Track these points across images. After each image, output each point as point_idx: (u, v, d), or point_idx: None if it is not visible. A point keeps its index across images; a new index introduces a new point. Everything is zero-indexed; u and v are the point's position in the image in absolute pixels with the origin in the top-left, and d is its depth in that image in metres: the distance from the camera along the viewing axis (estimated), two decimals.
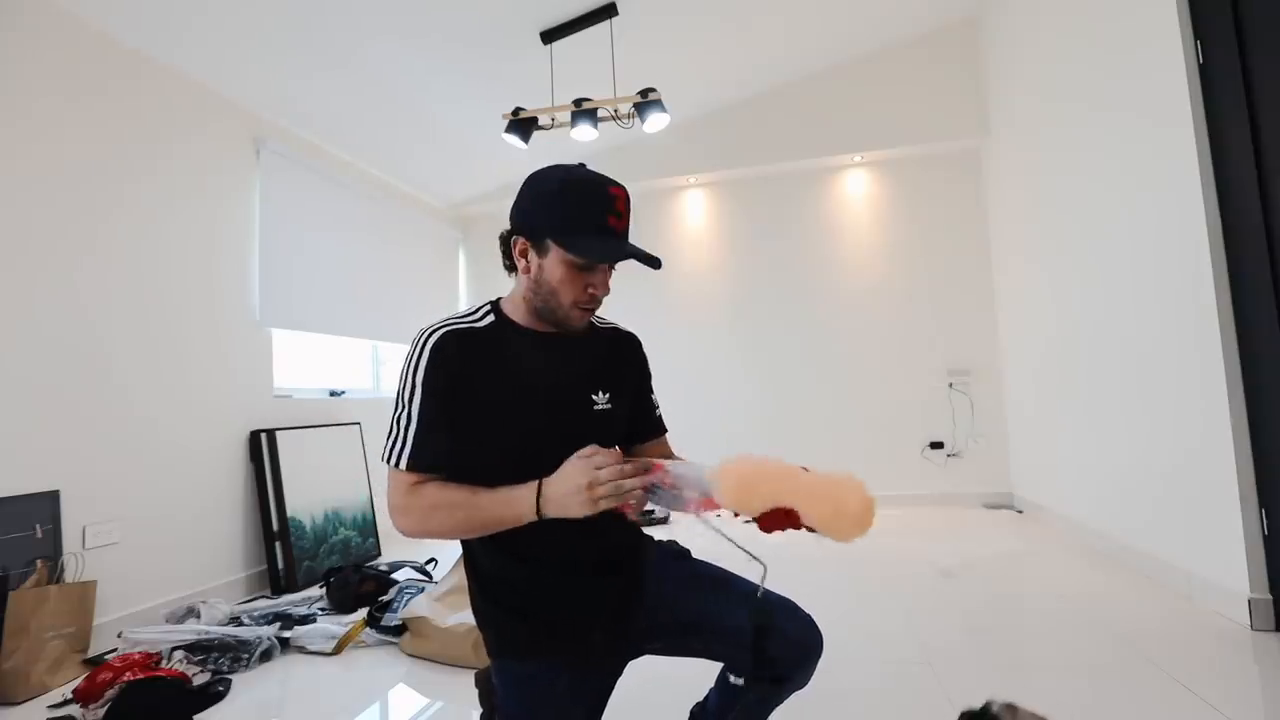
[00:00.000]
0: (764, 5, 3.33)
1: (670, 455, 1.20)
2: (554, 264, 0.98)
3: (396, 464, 0.96)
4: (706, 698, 1.17)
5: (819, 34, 3.76)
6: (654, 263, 0.99)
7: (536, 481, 0.91)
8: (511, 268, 1.05)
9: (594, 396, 1.06)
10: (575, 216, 0.97)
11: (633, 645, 1.07)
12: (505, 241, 1.05)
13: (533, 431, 1.00)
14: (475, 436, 0.98)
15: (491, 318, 1.05)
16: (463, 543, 1.07)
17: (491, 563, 1.04)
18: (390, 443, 0.98)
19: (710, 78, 3.96)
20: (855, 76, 4.06)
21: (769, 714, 1.07)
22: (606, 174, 1.00)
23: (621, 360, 1.16)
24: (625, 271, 1.10)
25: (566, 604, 1.02)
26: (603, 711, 1.05)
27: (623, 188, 1.00)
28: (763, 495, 0.88)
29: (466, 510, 0.93)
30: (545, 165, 1.03)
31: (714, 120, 4.29)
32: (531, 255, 1.00)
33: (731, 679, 1.07)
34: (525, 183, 1.03)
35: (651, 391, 1.21)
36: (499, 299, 1.09)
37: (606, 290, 1.03)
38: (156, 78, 2.57)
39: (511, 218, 1.04)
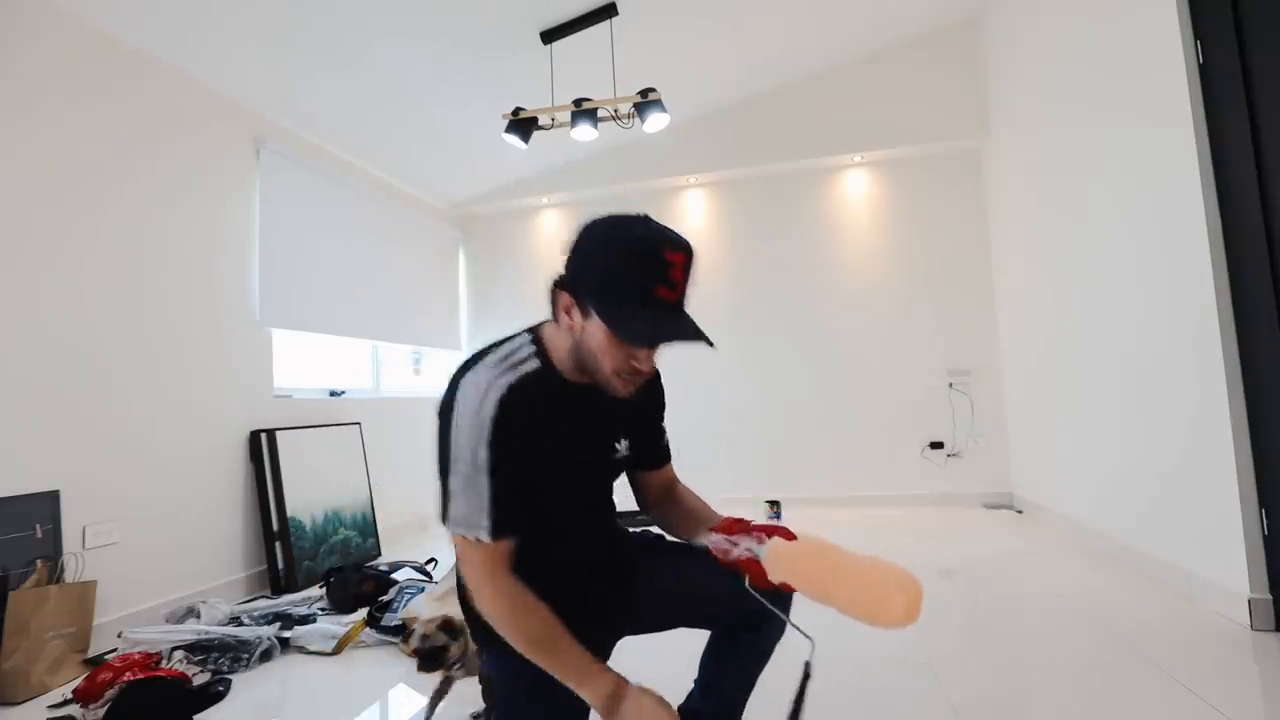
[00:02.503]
0: (764, 5, 3.33)
1: (674, 481, 1.22)
2: (596, 329, 0.90)
3: (476, 536, 0.89)
4: (689, 696, 1.18)
5: (818, 34, 3.76)
6: (705, 341, 0.87)
7: (615, 678, 0.90)
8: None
9: (616, 445, 1.06)
10: (621, 285, 0.87)
11: (616, 629, 1.10)
12: (551, 291, 0.96)
13: (571, 485, 1.01)
14: (521, 491, 0.95)
15: (536, 363, 0.96)
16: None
17: None
18: (460, 511, 0.89)
19: (710, 78, 3.96)
20: (855, 76, 4.06)
21: (754, 679, 1.12)
22: (634, 217, 0.91)
23: (645, 405, 1.13)
24: None
25: (562, 603, 1.01)
26: None
27: (684, 249, 0.88)
28: (805, 573, 0.93)
29: (544, 646, 0.90)
30: (604, 215, 0.93)
31: (714, 120, 4.29)
32: (575, 314, 0.92)
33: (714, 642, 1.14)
34: (579, 232, 0.93)
35: (662, 420, 1.20)
36: (540, 334, 1.00)
37: (651, 364, 0.94)
38: (158, 78, 2.58)
39: (565, 267, 0.94)
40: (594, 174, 4.41)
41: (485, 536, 0.89)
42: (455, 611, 1.37)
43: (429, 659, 1.40)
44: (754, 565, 0.98)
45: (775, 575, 0.96)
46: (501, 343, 0.99)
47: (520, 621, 0.91)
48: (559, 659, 0.90)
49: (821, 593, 0.92)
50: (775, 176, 4.33)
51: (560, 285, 0.93)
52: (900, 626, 0.85)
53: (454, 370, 0.97)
